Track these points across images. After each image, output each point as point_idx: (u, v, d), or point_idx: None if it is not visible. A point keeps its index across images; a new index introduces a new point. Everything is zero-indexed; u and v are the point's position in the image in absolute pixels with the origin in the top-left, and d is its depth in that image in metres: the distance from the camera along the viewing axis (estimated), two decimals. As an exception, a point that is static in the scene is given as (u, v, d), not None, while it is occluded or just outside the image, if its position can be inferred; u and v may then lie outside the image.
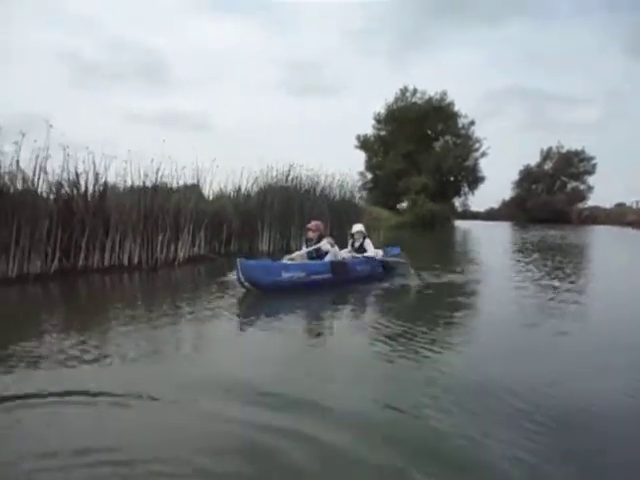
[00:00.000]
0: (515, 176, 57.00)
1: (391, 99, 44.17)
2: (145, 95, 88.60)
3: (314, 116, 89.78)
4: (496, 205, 70.40)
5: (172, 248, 9.39)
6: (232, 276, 6.49)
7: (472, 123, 43.33)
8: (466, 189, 43.59)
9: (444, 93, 42.81)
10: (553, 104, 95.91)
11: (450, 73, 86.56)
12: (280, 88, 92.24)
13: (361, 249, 7.90)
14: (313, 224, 7.42)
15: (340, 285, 6.85)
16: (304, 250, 7.20)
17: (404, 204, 41.21)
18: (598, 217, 44.58)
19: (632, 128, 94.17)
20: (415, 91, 43.57)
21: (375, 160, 45.17)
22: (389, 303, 6.47)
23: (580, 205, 53.01)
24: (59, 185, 8.04)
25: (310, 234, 7.30)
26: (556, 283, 7.98)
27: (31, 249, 7.36)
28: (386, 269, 7.99)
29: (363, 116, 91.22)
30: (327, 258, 7.01)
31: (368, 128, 45.93)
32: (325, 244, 7.06)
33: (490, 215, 68.00)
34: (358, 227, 8.27)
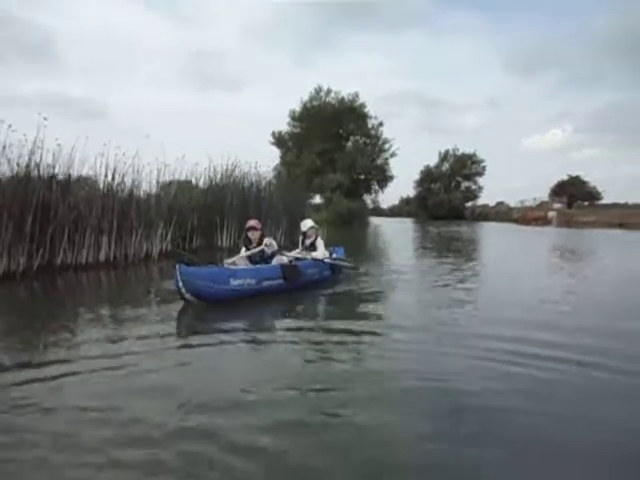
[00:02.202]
0: (414, 175, 61.36)
1: (306, 97, 45.32)
2: (27, 76, 79.93)
3: (216, 108, 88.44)
4: (397, 202, 75.59)
5: (144, 245, 9.44)
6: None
7: (381, 124, 46.00)
8: (376, 187, 46.10)
9: (356, 94, 44.98)
10: (444, 109, 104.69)
11: (351, 74, 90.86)
12: (180, 78, 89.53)
13: (312, 247, 7.15)
14: (255, 222, 6.54)
15: (290, 291, 6.09)
16: (244, 252, 6.31)
17: (316, 201, 42.60)
18: (489, 214, 49.91)
19: (507, 134, 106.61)
20: (329, 91, 45.20)
21: (289, 157, 46.01)
22: (342, 310, 5.62)
23: (472, 203, 58.75)
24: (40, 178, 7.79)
25: (251, 234, 6.39)
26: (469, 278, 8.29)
27: (13, 246, 7.14)
28: (334, 271, 7.26)
29: (268, 110, 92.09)
30: (274, 261, 6.26)
31: (275, 122, 46.85)
32: (270, 245, 6.29)
33: (393, 212, 72.43)
34: (309, 223, 7.36)
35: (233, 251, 11.16)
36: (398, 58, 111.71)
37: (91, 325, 4.64)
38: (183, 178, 12.09)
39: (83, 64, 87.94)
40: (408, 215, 63.06)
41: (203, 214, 11.90)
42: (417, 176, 60.58)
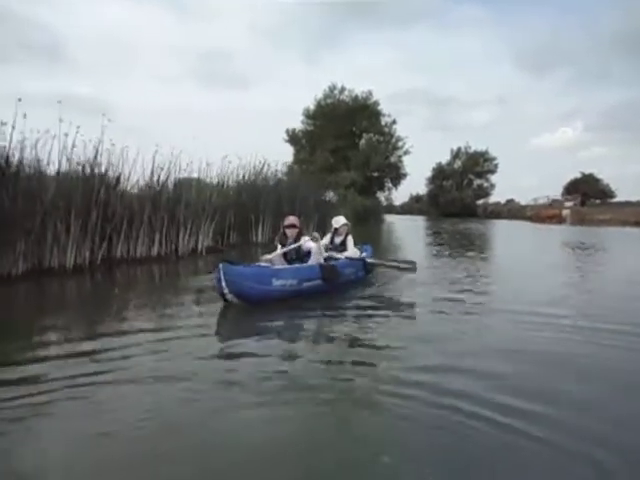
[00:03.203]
0: (423, 172, 61.74)
1: (320, 95, 45.78)
2: (34, 75, 79.93)
3: (224, 106, 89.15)
4: (406, 199, 75.93)
5: (191, 241, 9.92)
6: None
7: (394, 122, 46.38)
8: (389, 184, 46.44)
9: (370, 92, 45.33)
10: (452, 106, 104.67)
11: (359, 72, 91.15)
12: (188, 77, 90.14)
13: (342, 246, 6.88)
14: (294, 219, 6.22)
15: (328, 291, 5.87)
16: (280, 250, 5.99)
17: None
18: (501, 212, 50.08)
19: (516, 131, 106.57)
20: (343, 89, 45.58)
21: (303, 154, 46.44)
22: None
23: (483, 201, 58.88)
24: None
25: (290, 231, 6.09)
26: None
27: (81, 241, 7.63)
28: (367, 271, 7.00)
29: (277, 108, 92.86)
30: (312, 258, 5.99)
31: (284, 120, 47.35)
32: (307, 241, 5.99)
33: (403, 209, 72.59)
34: (343, 220, 7.06)
35: (267, 247, 11.66)
36: (405, 55, 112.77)
37: (145, 311, 5.13)
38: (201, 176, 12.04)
39: (91, 63, 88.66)
40: (419, 212, 63.30)
41: (238, 211, 12.34)
42: (428, 173, 60.93)
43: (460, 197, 55.04)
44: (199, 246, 10.08)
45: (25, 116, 6.48)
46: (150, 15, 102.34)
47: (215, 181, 12.01)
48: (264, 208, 12.77)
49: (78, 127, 7.43)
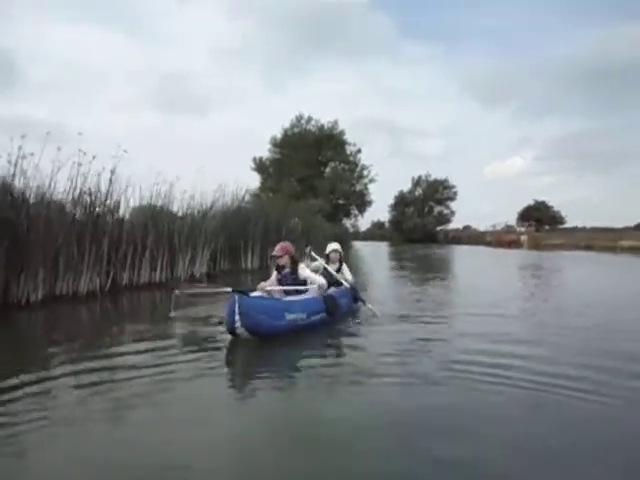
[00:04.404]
0: (387, 199, 63.98)
1: (287, 124, 47.01)
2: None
3: (185, 133, 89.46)
4: (369, 226, 77.70)
5: (190, 267, 10.25)
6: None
7: (359, 151, 48.09)
8: (355, 211, 47.71)
9: (335, 122, 46.95)
10: (408, 137, 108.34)
11: (321, 99, 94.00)
12: (146, 102, 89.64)
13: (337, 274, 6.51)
14: (280, 248, 5.71)
15: (330, 324, 5.69)
16: (275, 284, 5.70)
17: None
18: (462, 237, 52.24)
19: (470, 161, 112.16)
20: (310, 119, 47.01)
21: (269, 182, 47.15)
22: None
23: (442, 227, 61.20)
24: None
25: (280, 260, 5.68)
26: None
27: (92, 267, 7.86)
28: (355, 300, 6.66)
29: (240, 135, 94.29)
30: (310, 291, 5.69)
31: (249, 147, 48.09)
32: (306, 271, 5.78)
33: (366, 235, 74.05)
34: (335, 246, 6.77)
35: (257, 273, 12.07)
36: (363, 86, 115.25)
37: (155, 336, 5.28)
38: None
39: (44, 86, 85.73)
40: (381, 238, 64.91)
41: (227, 238, 12.67)
42: (389, 200, 63.10)
43: (422, 223, 57.00)
44: (196, 272, 10.39)
45: (60, 149, 6.80)
46: (106, 40, 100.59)
47: (196, 210, 12.13)
48: (252, 235, 13.20)
49: (94, 157, 7.77)
